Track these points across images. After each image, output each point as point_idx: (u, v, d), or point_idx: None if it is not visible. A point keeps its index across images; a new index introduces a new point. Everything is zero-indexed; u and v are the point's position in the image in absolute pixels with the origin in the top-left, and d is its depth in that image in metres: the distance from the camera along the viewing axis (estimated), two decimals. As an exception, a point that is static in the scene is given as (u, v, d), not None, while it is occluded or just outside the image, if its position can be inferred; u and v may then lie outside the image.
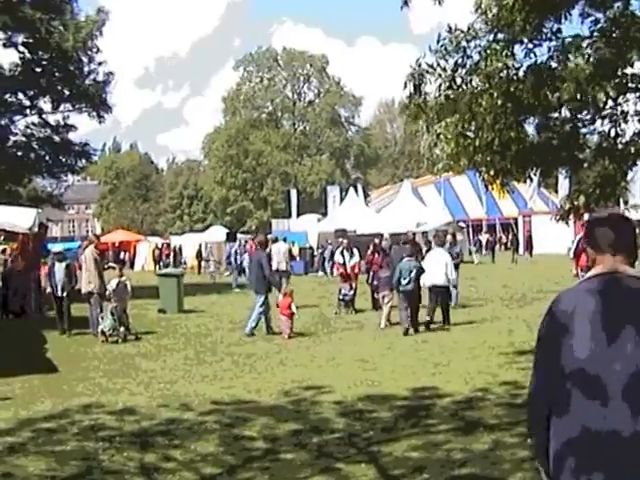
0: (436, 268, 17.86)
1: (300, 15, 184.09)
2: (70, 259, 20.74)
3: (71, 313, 19.11)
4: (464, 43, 10.85)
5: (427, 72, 10.87)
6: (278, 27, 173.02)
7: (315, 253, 44.66)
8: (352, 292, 22.39)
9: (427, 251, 21.21)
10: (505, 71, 10.36)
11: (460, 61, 10.90)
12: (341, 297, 22.43)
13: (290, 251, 32.54)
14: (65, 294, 18.87)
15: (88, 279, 18.36)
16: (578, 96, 9.74)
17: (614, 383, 3.23)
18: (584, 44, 9.90)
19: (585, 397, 3.27)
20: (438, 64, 10.89)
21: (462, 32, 10.88)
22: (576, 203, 11.74)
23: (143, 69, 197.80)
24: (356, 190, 57.28)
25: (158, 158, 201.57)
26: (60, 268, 19.00)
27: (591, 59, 9.66)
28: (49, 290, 19.71)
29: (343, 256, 22.87)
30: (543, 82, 10.03)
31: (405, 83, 11.01)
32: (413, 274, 17.40)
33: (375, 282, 20.98)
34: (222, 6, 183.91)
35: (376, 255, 22.73)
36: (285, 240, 29.95)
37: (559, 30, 10.70)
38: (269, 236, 29.15)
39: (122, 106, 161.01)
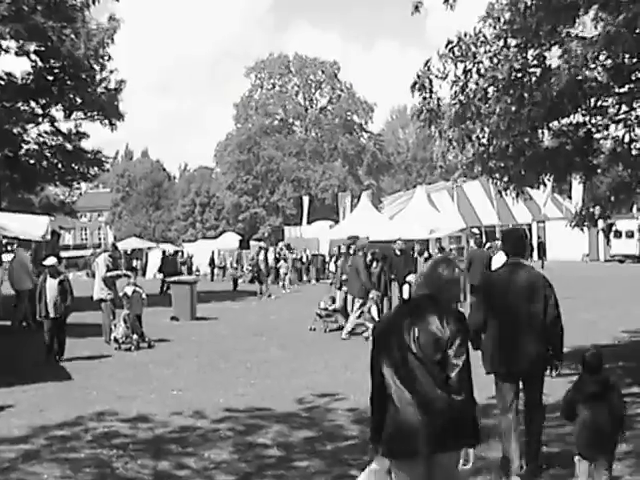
0: None
1: (317, 20, 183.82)
2: (65, 275, 17.30)
3: (65, 337, 16.33)
4: (473, 48, 10.81)
5: (436, 77, 10.85)
6: (296, 32, 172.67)
7: (327, 260, 44.36)
8: (333, 306, 20.13)
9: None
10: (518, 76, 10.32)
11: (470, 66, 10.85)
12: (318, 311, 20.03)
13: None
14: (58, 315, 16.04)
15: (100, 286, 18.37)
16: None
17: (519, 316, 7.30)
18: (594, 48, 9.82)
19: (502, 323, 7.38)
20: (445, 69, 10.85)
21: (471, 37, 10.84)
22: (592, 210, 11.70)
23: (160, 75, 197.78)
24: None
25: (172, 165, 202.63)
26: (53, 285, 16.06)
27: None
28: (38, 317, 16.40)
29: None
30: (547, 80, 9.97)
31: (412, 87, 10.99)
32: None
33: None
34: (241, 13, 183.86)
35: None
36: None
37: (568, 34, 10.65)
38: (281, 243, 29.42)
39: (138, 113, 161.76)
